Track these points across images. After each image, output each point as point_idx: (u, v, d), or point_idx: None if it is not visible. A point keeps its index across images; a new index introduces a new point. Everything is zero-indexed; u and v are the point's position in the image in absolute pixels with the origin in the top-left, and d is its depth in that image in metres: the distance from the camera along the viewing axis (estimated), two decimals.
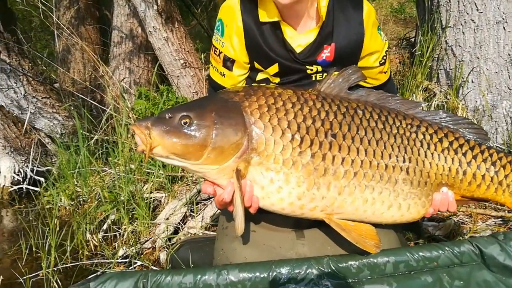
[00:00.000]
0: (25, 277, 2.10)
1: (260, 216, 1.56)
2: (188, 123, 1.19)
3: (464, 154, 1.37)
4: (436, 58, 2.93)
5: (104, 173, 3.05)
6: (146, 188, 2.77)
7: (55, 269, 2.22)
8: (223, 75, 1.61)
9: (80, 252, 2.39)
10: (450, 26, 2.80)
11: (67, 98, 3.65)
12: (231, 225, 1.61)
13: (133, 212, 2.56)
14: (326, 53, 1.50)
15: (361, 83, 1.58)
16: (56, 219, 2.72)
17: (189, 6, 4.36)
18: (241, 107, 1.23)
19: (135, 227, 2.48)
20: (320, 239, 1.51)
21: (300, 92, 1.32)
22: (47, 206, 3.05)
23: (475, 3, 2.71)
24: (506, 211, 2.36)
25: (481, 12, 2.71)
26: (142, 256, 2.27)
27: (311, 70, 1.52)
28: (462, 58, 2.79)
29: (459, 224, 2.29)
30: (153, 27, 2.81)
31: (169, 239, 2.35)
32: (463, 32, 2.77)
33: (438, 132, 1.38)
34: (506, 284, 1.28)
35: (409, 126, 1.35)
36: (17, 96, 3.42)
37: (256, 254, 1.47)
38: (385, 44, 1.59)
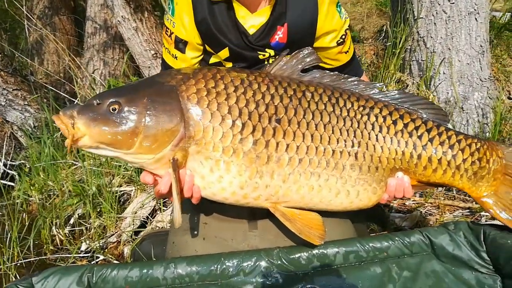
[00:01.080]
0: None
1: (213, 207, 1.53)
2: (117, 110, 1.13)
3: (420, 137, 1.30)
4: (408, 50, 2.91)
5: (75, 166, 2.99)
6: (115, 182, 2.72)
7: (18, 263, 2.17)
8: (176, 57, 1.55)
9: (45, 247, 2.34)
10: (421, 17, 2.78)
11: (39, 90, 3.57)
12: (184, 218, 1.57)
13: (101, 206, 2.52)
14: (279, 35, 1.45)
15: (321, 64, 1.55)
16: (25, 214, 2.68)
17: None
18: (178, 91, 1.17)
19: (102, 221, 2.44)
20: (273, 230, 1.49)
21: (245, 74, 1.26)
22: (17, 201, 2.99)
23: None
24: (474, 202, 2.36)
25: (453, 3, 2.70)
26: (106, 250, 2.23)
27: (263, 55, 1.48)
28: (434, 49, 2.78)
29: (425, 216, 2.29)
30: (122, 16, 2.75)
31: (136, 233, 2.31)
32: (434, 23, 2.75)
33: (393, 114, 1.31)
34: (455, 274, 1.27)
35: (361, 108, 1.29)
36: None
37: (207, 246, 1.44)
38: (344, 22, 1.51)
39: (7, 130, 3.73)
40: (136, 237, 2.26)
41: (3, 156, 3.62)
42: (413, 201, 2.40)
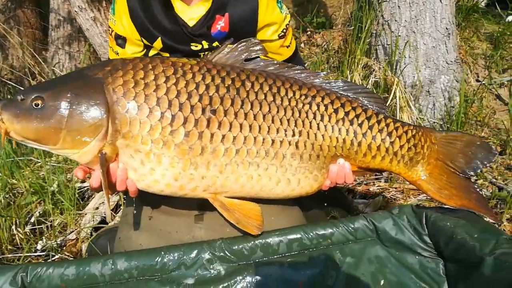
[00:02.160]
0: None
1: (159, 200, 1.50)
2: (40, 105, 1.09)
3: (360, 125, 1.31)
4: (374, 34, 2.87)
5: (39, 164, 2.92)
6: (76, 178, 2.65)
7: None
8: (117, 54, 1.54)
9: (3, 247, 2.28)
10: (385, 0, 2.74)
11: (3, 87, 3.47)
12: (130, 212, 1.54)
13: (63, 203, 2.46)
14: (221, 24, 1.45)
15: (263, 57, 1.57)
16: None
17: None
18: (104, 84, 1.13)
19: (63, 218, 2.38)
20: (220, 220, 1.45)
21: (181, 63, 1.22)
22: None
23: None
24: None
25: None
26: (64, 248, 2.18)
27: (196, 46, 1.46)
28: (399, 33, 2.75)
29: (390, 201, 2.27)
30: (79, 6, 2.65)
31: (96, 229, 2.26)
32: (398, 6, 2.71)
33: (335, 102, 1.31)
34: (398, 258, 1.25)
35: (303, 97, 1.28)
36: None
37: (152, 240, 1.41)
38: (285, 18, 1.54)
39: None
40: (95, 233, 2.21)
41: None
42: (377, 186, 2.39)
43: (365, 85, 2.76)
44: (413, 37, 2.73)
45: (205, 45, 1.47)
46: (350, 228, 1.29)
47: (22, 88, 3.36)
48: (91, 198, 2.66)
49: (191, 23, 1.44)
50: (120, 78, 1.14)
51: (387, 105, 2.70)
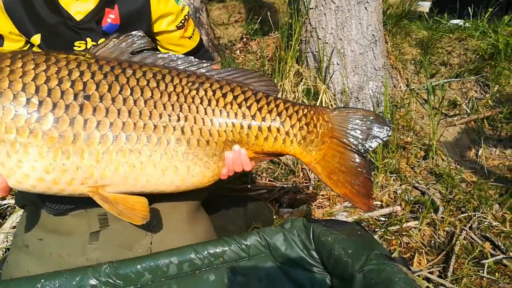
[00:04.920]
0: None
1: (51, 220, 1.43)
2: None
3: (249, 108, 1.28)
4: (303, 41, 2.89)
5: None
6: None
7: None
8: None
9: None
10: (312, 8, 2.76)
11: None
12: (21, 233, 1.45)
13: None
14: (111, 17, 1.38)
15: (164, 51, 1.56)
16: None
17: None
18: None
19: None
20: (117, 242, 1.40)
21: (55, 53, 1.17)
22: None
23: None
24: None
25: None
26: None
27: (79, 46, 1.38)
28: (326, 40, 2.77)
29: (315, 208, 2.28)
30: None
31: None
32: (324, 14, 2.74)
33: (224, 88, 1.28)
34: (289, 274, 1.23)
35: (189, 84, 1.24)
36: None
37: (41, 266, 1.33)
38: (183, 9, 1.52)
39: None
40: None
41: None
42: (304, 193, 2.39)
43: (295, 92, 2.77)
44: (340, 44, 2.77)
45: (90, 43, 1.38)
46: (242, 245, 1.26)
47: None
48: (10, 215, 2.53)
49: (77, 17, 1.35)
50: None
51: None
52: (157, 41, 1.56)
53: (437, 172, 2.49)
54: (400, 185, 2.43)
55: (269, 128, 1.30)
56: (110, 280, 1.21)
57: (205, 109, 1.24)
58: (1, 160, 1.08)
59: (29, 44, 1.45)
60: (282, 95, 2.80)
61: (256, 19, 3.89)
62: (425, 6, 5.61)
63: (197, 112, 1.23)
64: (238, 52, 3.39)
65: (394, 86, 3.07)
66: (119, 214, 1.17)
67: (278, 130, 1.31)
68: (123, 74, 1.17)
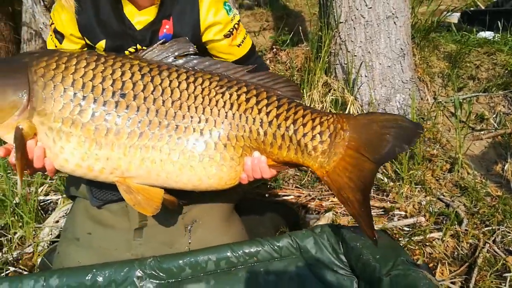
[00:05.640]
0: None
1: (100, 216, 1.56)
2: None
3: (268, 114, 1.29)
4: (332, 53, 2.98)
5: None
6: (41, 191, 2.69)
7: None
8: (56, 46, 1.59)
9: None
10: (341, 22, 2.85)
11: None
12: (71, 227, 1.59)
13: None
14: (167, 27, 1.51)
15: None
16: None
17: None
18: (28, 66, 1.22)
19: (24, 232, 2.41)
20: (159, 239, 1.52)
21: (105, 54, 1.31)
22: None
23: None
24: (388, 202, 2.44)
25: (370, 8, 2.78)
26: (20, 261, 2.21)
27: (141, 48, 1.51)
28: (355, 53, 2.85)
29: (340, 216, 2.35)
30: (43, 23, 2.72)
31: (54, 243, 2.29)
32: (354, 28, 2.83)
33: (249, 92, 1.31)
34: (318, 276, 1.32)
35: (218, 87, 1.30)
36: None
37: (91, 257, 1.46)
38: (233, 18, 1.58)
39: None
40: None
41: None
42: (330, 201, 2.46)
43: (324, 102, 2.85)
44: (369, 57, 2.84)
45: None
46: (275, 247, 1.36)
47: None
48: (52, 211, 2.70)
49: (137, 26, 1.49)
50: (44, 62, 1.23)
51: None
52: (208, 50, 1.62)
53: (462, 185, 2.52)
54: (425, 196, 2.48)
55: (282, 136, 1.28)
56: (154, 273, 1.33)
57: (226, 113, 1.28)
58: (49, 145, 1.23)
59: (86, 48, 1.59)
60: (310, 105, 2.89)
61: (286, 30, 4.00)
62: (453, 17, 5.60)
63: (218, 116, 1.28)
64: (268, 62, 3.50)
65: (421, 99, 3.11)
66: (135, 205, 1.28)
67: (290, 139, 1.28)
68: (158, 76, 1.28)
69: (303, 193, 2.54)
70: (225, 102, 1.29)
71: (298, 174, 2.77)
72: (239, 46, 1.64)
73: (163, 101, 1.26)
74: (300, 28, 3.80)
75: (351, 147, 1.27)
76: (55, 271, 1.32)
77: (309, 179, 2.67)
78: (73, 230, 1.55)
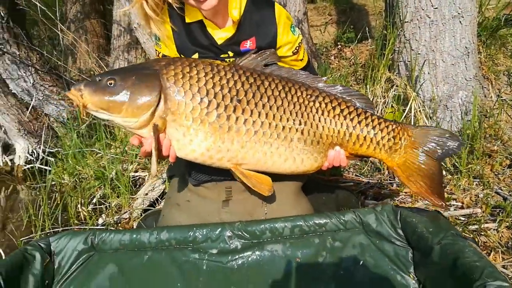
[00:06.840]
0: (20, 240, 2.53)
1: (196, 188, 1.90)
2: (113, 84, 1.48)
3: (351, 120, 1.70)
4: (396, 51, 3.12)
5: (100, 154, 3.44)
6: (131, 168, 3.14)
7: (48, 233, 2.63)
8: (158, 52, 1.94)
9: (71, 221, 2.80)
10: (407, 21, 2.98)
11: (72, 86, 4.04)
12: (174, 195, 1.95)
13: (119, 188, 2.95)
14: (249, 43, 1.82)
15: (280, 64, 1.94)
16: (58, 194, 3.15)
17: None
18: (159, 73, 1.52)
19: (119, 201, 2.87)
20: (241, 209, 1.84)
21: (216, 64, 1.62)
22: (52, 183, 3.48)
23: (430, 0, 2.88)
24: (446, 193, 2.58)
25: (436, 8, 2.89)
26: (119, 225, 2.65)
27: (225, 55, 1.84)
28: (418, 51, 2.98)
29: (398, 204, 2.54)
30: (137, 23, 3.13)
31: (145, 211, 2.71)
32: (419, 27, 2.95)
33: (333, 102, 1.71)
34: (377, 245, 1.56)
35: (308, 96, 1.67)
36: (26, 85, 3.85)
37: (189, 219, 1.81)
38: (297, 38, 1.91)
39: (45, 121, 4.26)
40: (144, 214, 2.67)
41: (42, 143, 4.17)
42: (389, 189, 2.66)
43: (386, 98, 3.02)
44: (432, 55, 2.96)
45: (231, 54, 1.83)
46: (341, 220, 1.61)
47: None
48: (141, 185, 3.15)
49: (219, 42, 1.81)
50: (172, 71, 1.54)
51: (404, 116, 2.96)
52: None
53: None
54: (482, 189, 2.59)
55: (364, 138, 1.72)
56: (241, 234, 1.63)
57: (319, 117, 1.67)
58: (178, 138, 1.55)
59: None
60: (372, 99, 3.07)
61: (350, 27, 4.15)
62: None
63: (313, 120, 1.66)
64: (332, 58, 3.71)
65: (485, 96, 3.17)
66: (253, 186, 1.62)
67: (371, 139, 1.73)
68: (262, 85, 1.62)
69: (363, 181, 2.75)
70: (317, 109, 1.67)
71: (358, 163, 2.98)
72: (300, 60, 2.01)
73: (270, 107, 1.60)
74: (362, 20, 3.95)
75: (415, 147, 1.76)
76: (164, 227, 1.67)
77: (369, 168, 2.87)
78: (175, 197, 1.91)
